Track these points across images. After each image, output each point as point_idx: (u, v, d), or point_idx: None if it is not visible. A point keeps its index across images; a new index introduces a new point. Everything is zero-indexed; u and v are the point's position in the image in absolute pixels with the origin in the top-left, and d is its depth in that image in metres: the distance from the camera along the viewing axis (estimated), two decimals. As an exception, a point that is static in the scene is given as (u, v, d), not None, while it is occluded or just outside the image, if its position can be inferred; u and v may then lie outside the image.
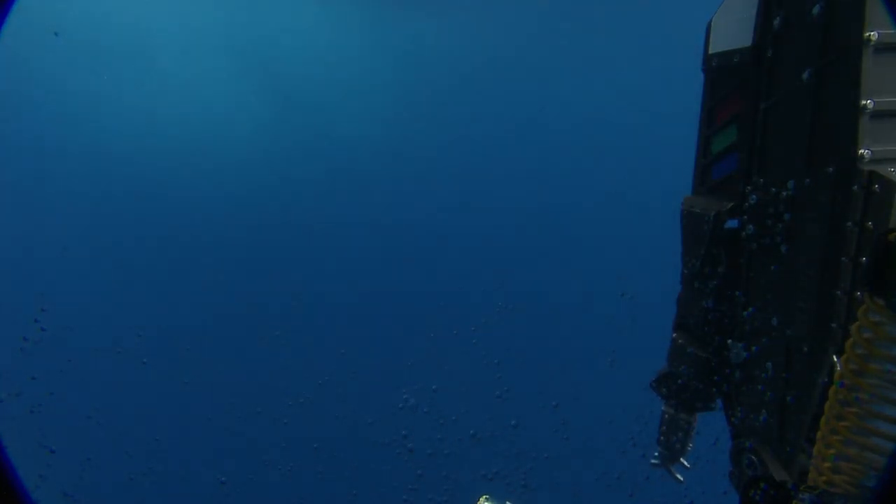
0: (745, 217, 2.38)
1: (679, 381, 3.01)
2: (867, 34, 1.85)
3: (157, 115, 17.38)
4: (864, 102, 1.88)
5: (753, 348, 2.48)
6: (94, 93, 16.74)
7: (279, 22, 17.32)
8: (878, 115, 1.90)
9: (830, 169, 2.01)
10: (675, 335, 2.98)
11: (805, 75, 2.08)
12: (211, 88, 17.69)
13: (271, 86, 18.16)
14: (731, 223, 2.52)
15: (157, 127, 17.46)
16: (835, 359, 1.90)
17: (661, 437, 3.38)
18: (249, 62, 17.87)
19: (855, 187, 1.90)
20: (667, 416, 3.32)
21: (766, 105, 2.30)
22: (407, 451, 12.60)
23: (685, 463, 3.46)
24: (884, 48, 1.87)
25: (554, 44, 17.76)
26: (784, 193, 2.20)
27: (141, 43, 16.67)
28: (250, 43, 17.58)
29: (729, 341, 2.58)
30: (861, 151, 1.90)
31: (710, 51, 2.58)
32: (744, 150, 2.42)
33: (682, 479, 3.49)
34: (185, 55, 17.14)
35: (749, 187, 2.34)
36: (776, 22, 2.21)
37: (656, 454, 3.50)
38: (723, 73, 2.55)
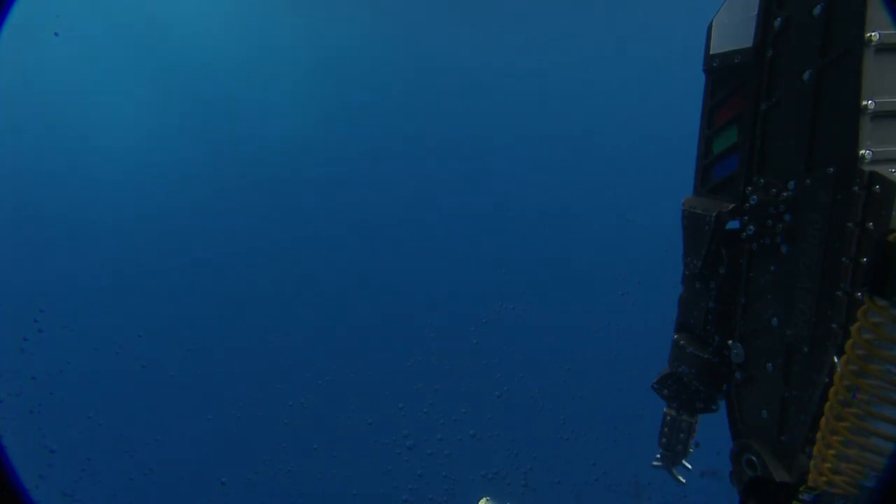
0: (746, 217, 2.38)
1: (681, 382, 3.01)
2: (868, 34, 1.85)
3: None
4: (864, 103, 1.89)
5: (753, 349, 2.48)
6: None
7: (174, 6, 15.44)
8: (878, 115, 1.90)
9: (831, 170, 2.01)
10: (676, 336, 2.98)
11: (806, 76, 2.08)
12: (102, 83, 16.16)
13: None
14: (733, 224, 2.53)
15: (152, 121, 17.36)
16: (835, 359, 1.89)
17: (663, 439, 3.39)
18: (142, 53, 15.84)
19: (856, 188, 1.90)
20: (668, 417, 3.33)
21: (767, 105, 2.30)
22: (407, 451, 12.59)
23: (686, 464, 3.47)
24: (885, 49, 1.87)
25: (557, 37, 17.69)
26: (784, 194, 2.20)
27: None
28: (141, 27, 15.69)
29: (729, 342, 2.58)
30: (862, 152, 1.90)
31: (712, 51, 2.59)
32: (744, 150, 2.42)
33: (683, 480, 3.51)
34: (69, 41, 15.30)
35: (749, 188, 2.34)
36: (777, 22, 2.21)
37: (657, 455, 3.51)
38: (724, 74, 2.56)
